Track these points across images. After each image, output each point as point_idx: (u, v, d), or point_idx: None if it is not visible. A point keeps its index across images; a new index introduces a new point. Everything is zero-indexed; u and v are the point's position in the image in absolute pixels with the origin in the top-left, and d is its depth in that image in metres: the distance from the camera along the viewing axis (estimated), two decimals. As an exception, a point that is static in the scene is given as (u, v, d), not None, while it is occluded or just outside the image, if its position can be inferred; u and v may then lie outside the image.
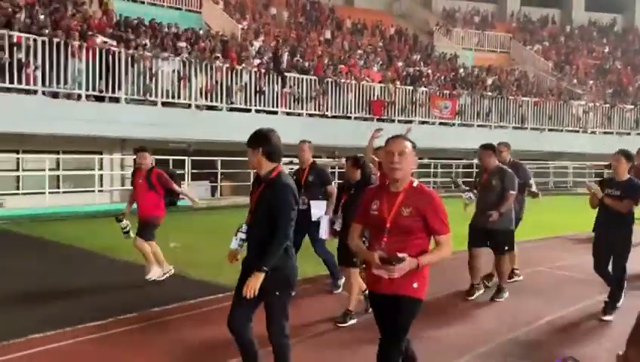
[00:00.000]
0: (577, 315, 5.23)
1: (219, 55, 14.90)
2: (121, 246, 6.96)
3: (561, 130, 19.26)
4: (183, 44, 15.55)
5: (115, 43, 12.16)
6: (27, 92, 10.73)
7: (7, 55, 10.27)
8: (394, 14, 29.40)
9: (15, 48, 10.41)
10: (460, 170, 17.83)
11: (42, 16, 12.21)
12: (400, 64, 22.01)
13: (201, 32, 17.83)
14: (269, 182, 3.17)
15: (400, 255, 2.72)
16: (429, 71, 21.40)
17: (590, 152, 18.69)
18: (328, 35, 23.69)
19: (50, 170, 11.94)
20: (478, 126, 18.44)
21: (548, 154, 19.21)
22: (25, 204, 11.30)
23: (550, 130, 19.09)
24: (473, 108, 18.59)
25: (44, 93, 10.84)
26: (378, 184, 3.12)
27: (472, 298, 5.63)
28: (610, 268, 5.12)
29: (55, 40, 10.87)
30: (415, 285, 2.82)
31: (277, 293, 3.14)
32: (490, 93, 19.32)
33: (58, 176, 12.13)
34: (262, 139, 3.19)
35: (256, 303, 3.20)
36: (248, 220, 3.30)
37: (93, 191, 12.37)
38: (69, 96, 11.29)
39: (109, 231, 7.45)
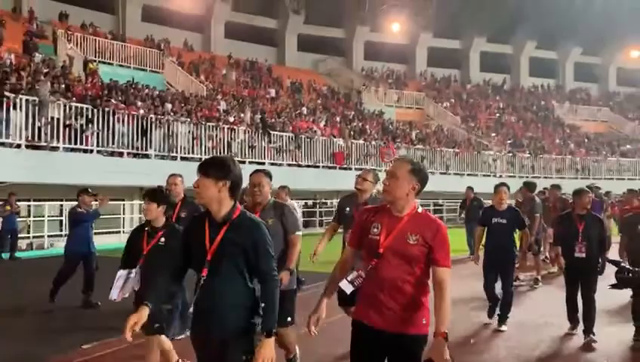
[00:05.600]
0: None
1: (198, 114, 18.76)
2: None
3: (477, 175, 25.16)
4: (169, 105, 19.20)
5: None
6: (85, 151, 13.92)
7: (73, 121, 13.50)
8: (321, 73, 34.81)
9: (79, 116, 13.66)
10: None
11: (62, 85, 15.43)
12: (338, 119, 27.05)
13: (183, 92, 21.52)
14: (237, 221, 2.74)
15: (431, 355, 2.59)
16: (367, 126, 26.66)
17: (500, 192, 24.76)
18: (273, 93, 28.24)
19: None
20: (414, 172, 23.76)
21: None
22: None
23: (469, 174, 24.90)
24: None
25: (98, 151, 14.08)
26: (378, 205, 3.01)
27: None
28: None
29: (107, 109, 14.25)
30: (424, 321, 2.77)
31: (244, 358, 2.67)
32: (420, 146, 24.84)
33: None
34: (229, 169, 2.76)
35: None
36: (204, 272, 2.72)
37: (119, 232, 15.51)
38: (112, 154, 14.58)
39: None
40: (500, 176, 25.75)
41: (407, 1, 34.51)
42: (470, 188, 13.71)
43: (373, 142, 23.01)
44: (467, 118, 33.29)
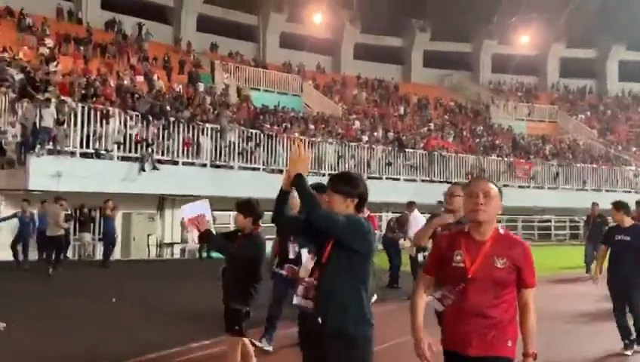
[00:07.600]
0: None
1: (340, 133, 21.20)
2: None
3: (616, 191, 25.22)
4: (312, 126, 21.88)
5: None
6: (253, 169, 16.83)
7: (245, 144, 16.46)
8: (446, 87, 36.18)
9: (248, 140, 16.63)
10: (536, 223, 23.76)
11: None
12: (466, 135, 28.34)
13: (322, 114, 24.26)
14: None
15: None
16: (497, 141, 27.72)
17: (642, 209, 24.64)
18: (402, 110, 30.23)
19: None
20: (549, 188, 24.48)
21: (606, 212, 25.09)
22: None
23: (607, 190, 25.06)
24: (543, 173, 24.73)
25: (263, 169, 16.93)
26: (455, 231, 3.09)
27: None
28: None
29: (271, 133, 17.11)
30: (509, 343, 2.81)
31: None
32: (555, 162, 25.49)
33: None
34: (357, 186, 3.09)
35: None
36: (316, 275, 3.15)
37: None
38: (272, 171, 17.39)
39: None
40: (642, 193, 25.60)
41: (538, 12, 34.89)
42: (595, 204, 13.44)
43: (506, 158, 24.11)
44: (604, 131, 32.95)
